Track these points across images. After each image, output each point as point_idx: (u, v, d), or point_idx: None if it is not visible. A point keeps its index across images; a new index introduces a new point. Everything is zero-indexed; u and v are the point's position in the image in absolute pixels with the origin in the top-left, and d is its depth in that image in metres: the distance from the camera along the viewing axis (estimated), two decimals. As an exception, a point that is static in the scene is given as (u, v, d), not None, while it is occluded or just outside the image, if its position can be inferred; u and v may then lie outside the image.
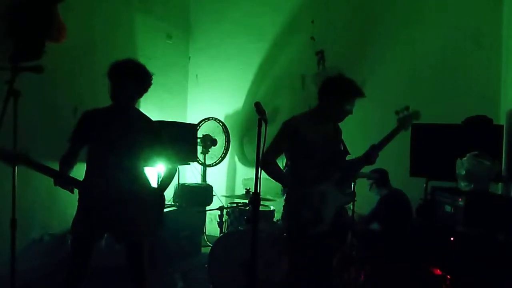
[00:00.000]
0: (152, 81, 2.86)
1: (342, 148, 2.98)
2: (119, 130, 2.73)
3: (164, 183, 2.97)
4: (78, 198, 2.79)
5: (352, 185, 3.86)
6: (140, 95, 2.86)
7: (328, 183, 2.83)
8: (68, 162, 2.74)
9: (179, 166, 5.11)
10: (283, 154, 2.96)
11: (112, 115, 2.77)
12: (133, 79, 2.75)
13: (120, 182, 2.69)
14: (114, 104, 2.79)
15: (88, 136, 2.74)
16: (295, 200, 2.81)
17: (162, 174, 3.03)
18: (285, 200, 2.91)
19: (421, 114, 3.00)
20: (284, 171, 2.99)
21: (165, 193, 2.98)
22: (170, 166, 2.98)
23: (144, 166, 2.90)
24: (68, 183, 2.64)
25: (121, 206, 2.68)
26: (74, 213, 2.80)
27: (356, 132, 5.50)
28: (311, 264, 2.85)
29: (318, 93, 2.94)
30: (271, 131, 2.51)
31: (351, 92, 2.88)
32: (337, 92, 2.86)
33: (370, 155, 2.94)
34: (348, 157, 3.02)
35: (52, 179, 2.60)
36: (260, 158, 2.38)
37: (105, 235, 2.96)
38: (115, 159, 2.69)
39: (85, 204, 2.75)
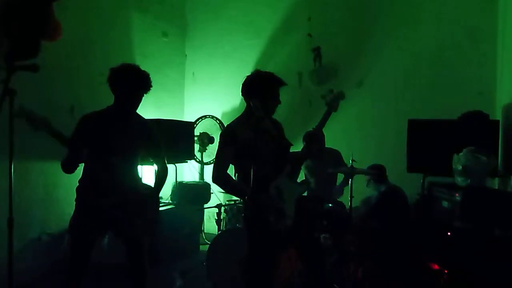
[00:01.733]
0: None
1: (283, 142, 2.98)
2: (117, 132, 2.78)
3: (159, 183, 3.01)
4: (76, 198, 2.83)
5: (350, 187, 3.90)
6: (140, 99, 2.90)
7: (280, 178, 2.82)
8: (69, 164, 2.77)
9: (177, 164, 5.12)
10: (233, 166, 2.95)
11: (110, 118, 2.82)
12: (140, 86, 2.81)
13: (117, 181, 2.75)
14: (115, 108, 2.84)
15: (87, 138, 2.76)
16: (257, 205, 2.77)
17: (156, 174, 3.06)
18: (244, 208, 2.90)
19: (344, 93, 2.99)
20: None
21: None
22: (162, 166, 3.02)
23: (139, 165, 2.96)
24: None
25: (119, 205, 2.73)
26: (72, 212, 2.81)
27: (352, 128, 5.53)
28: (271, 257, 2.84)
29: (242, 95, 2.94)
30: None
31: (268, 87, 2.85)
32: (255, 92, 2.85)
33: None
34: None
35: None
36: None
37: (106, 233, 2.98)
38: (112, 160, 2.74)
39: (83, 203, 2.79)
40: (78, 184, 2.86)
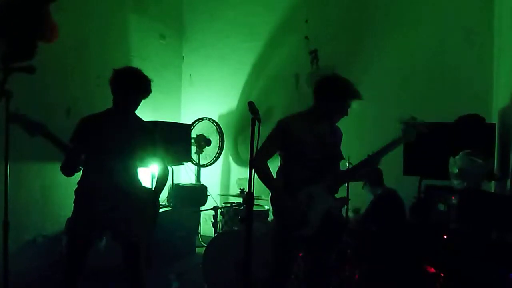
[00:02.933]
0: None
1: (334, 151, 2.90)
2: (116, 133, 2.79)
3: (159, 185, 3.01)
4: (74, 200, 2.83)
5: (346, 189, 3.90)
6: (140, 102, 2.93)
7: (318, 186, 2.78)
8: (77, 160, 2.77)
9: (173, 167, 5.11)
10: (277, 154, 2.92)
11: (109, 119, 2.83)
12: (141, 91, 2.83)
13: (116, 183, 2.75)
14: (113, 110, 2.85)
15: (86, 141, 2.77)
16: (277, 204, 2.80)
17: (156, 176, 3.06)
18: (270, 200, 2.88)
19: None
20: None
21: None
22: (163, 168, 3.02)
23: (138, 167, 2.95)
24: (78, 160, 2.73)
25: (118, 207, 2.73)
26: (70, 214, 2.81)
27: (349, 132, 5.50)
28: (292, 264, 2.89)
29: (314, 92, 2.88)
30: (264, 130, 2.51)
31: (347, 93, 2.82)
32: (334, 93, 2.81)
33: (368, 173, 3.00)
34: (342, 162, 3.02)
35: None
36: (253, 158, 2.36)
37: (103, 235, 2.98)
38: (111, 162, 2.74)
39: (81, 205, 2.79)
40: (77, 186, 2.85)
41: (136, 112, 2.94)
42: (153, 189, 3.03)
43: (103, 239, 2.98)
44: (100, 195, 2.73)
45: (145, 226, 2.87)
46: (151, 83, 2.87)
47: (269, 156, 2.85)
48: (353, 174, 3.00)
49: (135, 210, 2.78)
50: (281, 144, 2.82)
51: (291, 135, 2.79)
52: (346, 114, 2.87)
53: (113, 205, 2.72)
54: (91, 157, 2.78)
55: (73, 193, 2.85)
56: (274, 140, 2.82)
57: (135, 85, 2.80)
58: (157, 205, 3.00)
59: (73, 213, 2.82)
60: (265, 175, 2.79)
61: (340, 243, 3.94)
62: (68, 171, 2.76)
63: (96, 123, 2.82)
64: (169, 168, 3.06)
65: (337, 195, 2.92)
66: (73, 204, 2.83)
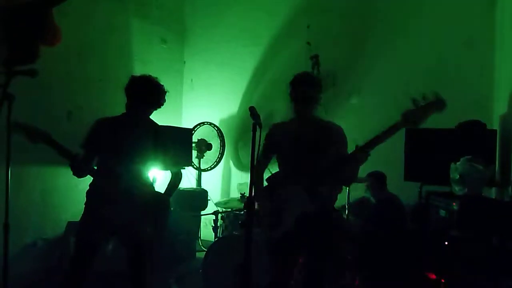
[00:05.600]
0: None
1: (317, 150, 2.76)
2: (129, 137, 2.83)
3: (171, 188, 3.07)
4: (85, 201, 2.86)
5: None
6: (155, 110, 3.02)
7: (295, 187, 2.72)
8: (81, 168, 2.77)
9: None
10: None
11: (122, 123, 2.87)
12: (152, 102, 2.91)
13: (126, 187, 2.76)
14: (128, 115, 2.89)
15: (100, 143, 2.80)
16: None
17: (169, 180, 3.10)
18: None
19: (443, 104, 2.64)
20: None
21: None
22: (175, 173, 3.09)
23: (149, 171, 3.01)
24: (83, 168, 2.73)
25: (127, 211, 2.74)
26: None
27: (349, 136, 5.51)
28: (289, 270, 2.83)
29: None
30: (265, 135, 2.52)
31: (292, 88, 2.85)
32: (289, 93, 2.88)
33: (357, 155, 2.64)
34: None
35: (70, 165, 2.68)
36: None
37: (110, 239, 3.02)
38: (122, 165, 2.77)
39: (91, 207, 2.82)
40: (88, 187, 2.88)
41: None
42: (163, 193, 3.05)
43: (110, 242, 2.98)
44: (110, 199, 2.74)
45: (154, 231, 2.89)
46: (165, 93, 2.95)
47: (263, 159, 2.91)
48: (336, 171, 2.70)
49: (144, 214, 2.81)
50: (269, 148, 2.88)
51: (272, 138, 2.86)
52: (306, 103, 2.79)
53: (122, 208, 2.73)
54: (103, 160, 2.81)
55: (84, 195, 2.88)
56: (264, 144, 2.83)
57: (146, 95, 2.85)
58: (167, 209, 3.02)
59: (82, 214, 2.84)
60: (255, 180, 2.75)
61: (339, 249, 3.93)
62: (79, 172, 2.77)
63: (110, 126, 2.86)
64: (166, 172, 3.07)
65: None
66: (84, 206, 2.86)
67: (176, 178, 3.09)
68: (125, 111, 2.91)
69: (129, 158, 2.78)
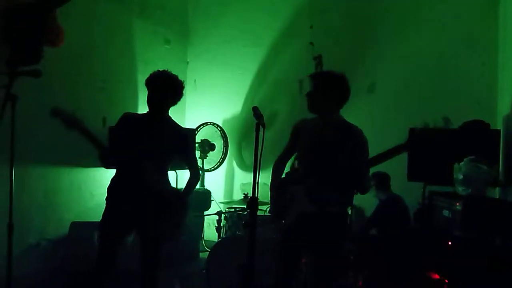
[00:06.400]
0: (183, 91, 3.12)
1: (331, 154, 2.71)
2: (152, 135, 2.89)
3: (190, 188, 3.11)
4: (106, 197, 2.91)
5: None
6: (174, 104, 3.09)
7: (299, 187, 2.74)
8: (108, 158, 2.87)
9: (178, 171, 5.11)
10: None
11: (147, 121, 2.94)
12: (173, 91, 3.02)
13: (145, 184, 2.81)
14: (150, 111, 2.97)
15: (124, 136, 2.88)
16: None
17: (188, 179, 3.15)
18: None
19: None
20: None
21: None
22: (194, 172, 3.14)
23: (169, 170, 3.06)
24: (109, 158, 2.81)
25: (145, 207, 2.81)
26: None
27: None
28: (292, 270, 2.82)
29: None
30: (268, 135, 2.51)
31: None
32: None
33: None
34: None
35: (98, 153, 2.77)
36: None
37: (131, 232, 3.01)
38: (143, 162, 2.81)
39: (113, 202, 2.88)
40: (109, 183, 2.94)
41: (140, 113, 3.00)
42: (182, 192, 3.11)
43: (131, 235, 3.02)
44: (129, 194, 2.81)
45: (170, 228, 2.94)
46: (180, 86, 3.07)
47: (283, 156, 2.99)
48: (348, 175, 2.68)
49: (162, 211, 2.85)
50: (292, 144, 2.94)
51: (295, 135, 2.90)
52: (309, 97, 2.87)
53: (142, 204, 2.80)
54: (124, 156, 2.84)
55: (106, 191, 2.93)
56: (288, 141, 2.95)
57: (160, 85, 2.93)
58: (185, 208, 3.06)
59: (104, 210, 2.90)
60: (273, 176, 2.94)
61: (341, 250, 3.92)
62: (105, 166, 2.91)
63: (134, 122, 2.94)
64: (169, 172, 3.09)
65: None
66: (105, 201, 2.91)
67: (195, 178, 3.14)
68: (148, 110, 2.98)
69: (149, 155, 2.83)
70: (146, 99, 2.95)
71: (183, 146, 3.03)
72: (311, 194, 2.68)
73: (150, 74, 2.98)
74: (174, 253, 4.82)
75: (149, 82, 2.95)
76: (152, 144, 2.86)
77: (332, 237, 2.72)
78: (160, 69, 3.04)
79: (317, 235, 2.68)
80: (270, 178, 2.93)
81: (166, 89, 2.96)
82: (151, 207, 2.82)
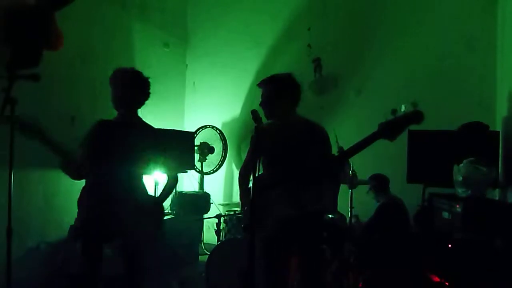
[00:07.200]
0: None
1: (298, 155, 2.71)
2: (121, 139, 2.79)
3: (164, 193, 3.00)
4: (79, 208, 2.82)
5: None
6: (141, 103, 2.93)
7: (273, 192, 2.70)
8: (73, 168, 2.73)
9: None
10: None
11: (116, 125, 2.85)
12: (134, 87, 2.84)
13: (118, 191, 2.73)
14: (118, 114, 2.88)
15: (96, 144, 2.79)
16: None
17: (164, 184, 3.04)
18: None
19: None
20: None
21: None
22: (171, 176, 3.02)
23: (143, 174, 2.95)
24: (75, 164, 2.64)
25: (120, 215, 2.70)
26: (73, 220, 2.80)
27: (352, 138, 5.49)
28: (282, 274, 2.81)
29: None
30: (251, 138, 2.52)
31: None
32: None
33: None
34: None
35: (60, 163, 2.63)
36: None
37: (104, 245, 2.90)
38: (114, 168, 2.73)
39: (84, 211, 2.78)
40: (80, 192, 2.84)
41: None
42: (157, 197, 3.01)
43: (110, 245, 2.96)
44: (101, 202, 2.71)
45: (146, 235, 2.84)
46: (145, 78, 2.91)
47: (249, 164, 2.93)
48: (317, 177, 2.68)
49: (135, 219, 2.74)
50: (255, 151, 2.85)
51: (257, 140, 2.80)
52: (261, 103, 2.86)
53: (116, 212, 2.70)
54: (96, 163, 2.76)
55: (76, 201, 2.84)
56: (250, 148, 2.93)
57: (119, 79, 2.82)
58: (160, 214, 2.97)
59: (76, 219, 2.81)
60: (242, 180, 2.97)
61: (339, 252, 3.93)
62: (74, 174, 2.72)
63: (105, 128, 2.84)
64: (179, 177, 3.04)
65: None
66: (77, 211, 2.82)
67: (172, 183, 3.03)
68: (118, 113, 2.88)
69: (121, 161, 2.74)
70: (113, 100, 2.85)
71: (156, 148, 2.91)
72: (289, 197, 2.66)
73: (113, 73, 2.87)
74: (173, 257, 4.82)
75: (111, 81, 2.84)
76: (123, 148, 2.76)
77: (316, 236, 2.77)
78: (126, 67, 2.92)
79: (302, 237, 2.69)
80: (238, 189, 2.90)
81: (132, 87, 2.83)
82: (126, 216, 2.70)
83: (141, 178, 2.92)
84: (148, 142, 2.87)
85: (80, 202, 2.82)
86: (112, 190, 2.72)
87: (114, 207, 2.70)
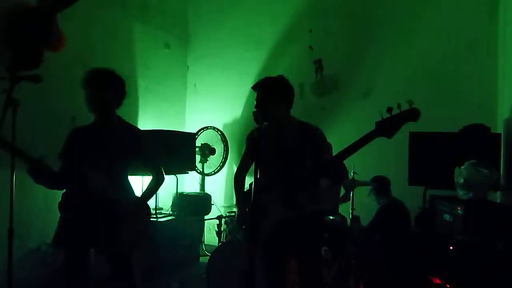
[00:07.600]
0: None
1: (294, 157, 2.72)
2: (98, 142, 2.72)
3: (146, 193, 2.90)
4: (60, 215, 2.75)
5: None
6: (119, 103, 2.85)
7: (270, 195, 2.70)
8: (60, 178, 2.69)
9: (178, 175, 5.11)
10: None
11: (94, 128, 2.77)
12: (109, 88, 2.75)
13: (100, 195, 2.66)
14: (94, 117, 2.80)
15: (76, 151, 2.72)
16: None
17: (148, 183, 2.96)
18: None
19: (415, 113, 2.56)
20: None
21: (150, 202, 2.93)
22: (156, 175, 2.92)
23: (128, 175, 2.88)
24: (43, 172, 2.58)
25: (104, 219, 2.65)
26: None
27: (353, 140, 5.49)
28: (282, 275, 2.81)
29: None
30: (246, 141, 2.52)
31: None
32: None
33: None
34: None
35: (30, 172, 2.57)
36: None
37: (90, 250, 2.82)
38: (97, 172, 2.67)
39: (66, 218, 2.72)
40: (61, 199, 2.78)
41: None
42: (141, 196, 2.91)
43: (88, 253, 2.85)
44: (83, 209, 2.65)
45: (132, 237, 2.73)
46: (118, 77, 2.83)
47: (243, 167, 3.05)
48: (313, 178, 2.68)
49: (119, 222, 2.68)
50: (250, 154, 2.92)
51: (251, 144, 2.89)
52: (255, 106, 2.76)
53: (95, 218, 2.64)
54: (79, 169, 2.69)
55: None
56: (245, 151, 2.97)
57: (93, 80, 2.73)
58: (145, 214, 2.89)
59: (58, 227, 2.73)
60: (237, 184, 3.08)
61: (344, 253, 3.93)
62: (48, 187, 2.69)
63: (81, 134, 2.77)
64: (170, 177, 2.96)
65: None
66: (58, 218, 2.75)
67: (156, 180, 2.90)
68: (96, 117, 2.80)
69: (104, 163, 2.68)
70: (87, 103, 2.77)
71: (137, 148, 2.82)
72: (286, 200, 2.66)
73: (84, 74, 2.77)
74: (174, 258, 4.82)
75: (83, 84, 2.73)
76: (104, 151, 2.70)
77: (314, 237, 2.77)
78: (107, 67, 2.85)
79: (300, 238, 2.70)
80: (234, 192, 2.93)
81: (107, 87, 2.73)
82: (107, 219, 2.64)
83: (124, 179, 2.83)
84: (128, 142, 2.78)
85: (61, 206, 2.75)
86: (93, 195, 2.64)
87: (96, 212, 2.64)
